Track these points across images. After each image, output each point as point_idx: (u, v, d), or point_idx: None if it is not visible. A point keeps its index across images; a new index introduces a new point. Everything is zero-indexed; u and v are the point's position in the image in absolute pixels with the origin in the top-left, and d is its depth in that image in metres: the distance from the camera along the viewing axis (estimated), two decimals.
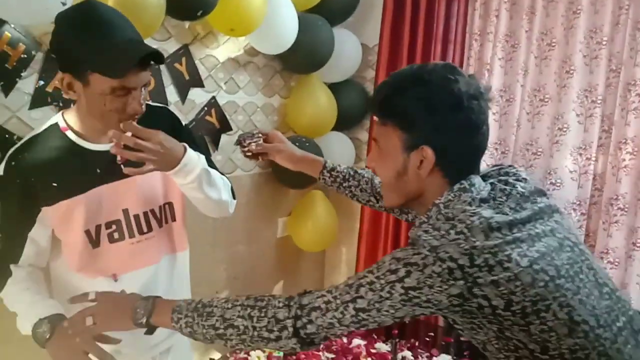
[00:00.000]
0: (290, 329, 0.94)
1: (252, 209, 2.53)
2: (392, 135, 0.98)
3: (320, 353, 1.61)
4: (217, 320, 0.99)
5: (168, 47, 2.00)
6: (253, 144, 1.42)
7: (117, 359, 1.11)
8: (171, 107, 1.98)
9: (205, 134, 2.20)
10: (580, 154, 2.29)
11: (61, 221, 1.21)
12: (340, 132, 2.68)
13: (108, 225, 1.26)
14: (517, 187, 0.97)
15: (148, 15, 1.64)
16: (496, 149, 2.47)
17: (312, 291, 0.98)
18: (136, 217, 1.30)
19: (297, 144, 2.42)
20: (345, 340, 1.71)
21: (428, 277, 0.86)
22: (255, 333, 0.97)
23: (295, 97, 2.54)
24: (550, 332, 0.88)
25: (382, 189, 1.08)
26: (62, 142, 1.21)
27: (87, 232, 1.23)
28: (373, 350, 1.64)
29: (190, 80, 2.10)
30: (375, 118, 1.04)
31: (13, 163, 1.17)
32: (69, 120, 1.23)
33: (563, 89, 2.30)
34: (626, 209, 2.19)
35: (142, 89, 1.17)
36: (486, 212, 0.89)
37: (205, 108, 2.19)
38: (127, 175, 1.20)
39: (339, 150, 2.61)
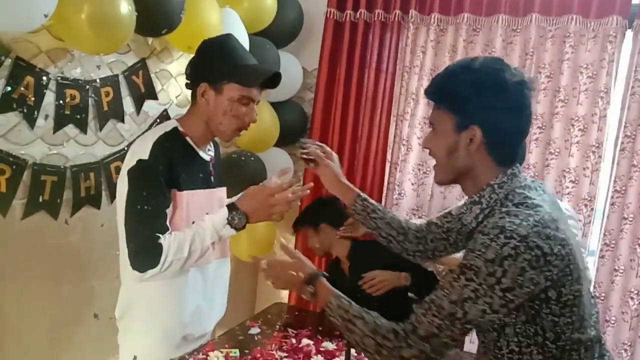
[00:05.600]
0: None
1: None
2: (445, 117, 1.11)
3: (274, 352, 1.74)
4: (355, 338, 1.14)
5: (127, 60, 2.07)
6: (312, 146, 1.57)
7: None
8: (126, 118, 2.08)
9: None
10: None
11: (184, 207, 1.43)
12: (280, 148, 2.85)
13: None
14: (543, 184, 1.13)
15: (120, 31, 1.71)
16: (419, 169, 2.76)
17: (417, 315, 1.06)
18: None
19: (242, 157, 2.59)
20: (294, 340, 1.85)
21: (521, 270, 0.95)
22: None
23: None
24: (570, 324, 1.01)
25: (435, 167, 1.20)
26: (185, 144, 1.49)
27: (193, 224, 1.44)
28: (321, 349, 1.80)
29: (145, 93, 2.17)
30: (431, 103, 1.18)
31: (158, 150, 1.37)
32: (184, 126, 1.48)
33: None
34: None
35: (256, 104, 1.48)
36: (543, 203, 1.02)
37: (158, 120, 2.26)
38: (213, 185, 1.55)
39: (280, 165, 2.76)
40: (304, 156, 1.58)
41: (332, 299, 1.20)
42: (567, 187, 2.45)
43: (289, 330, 1.95)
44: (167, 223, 1.41)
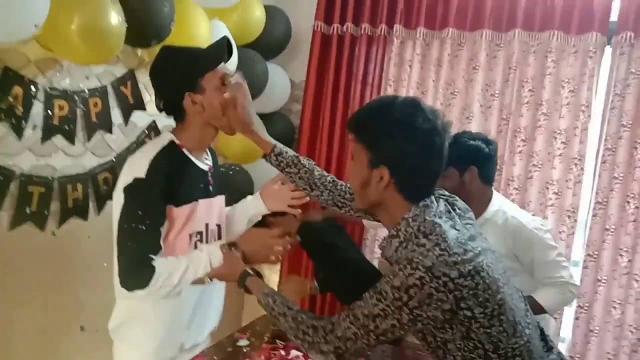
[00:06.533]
0: (333, 357, 1.17)
1: None
2: (361, 152, 1.15)
3: None
4: (282, 327, 1.26)
5: (116, 71, 2.07)
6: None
7: None
8: (114, 129, 2.07)
9: None
10: None
11: (181, 221, 1.42)
12: None
13: (195, 234, 1.47)
14: (458, 206, 1.18)
15: (110, 42, 1.72)
16: None
17: (339, 317, 1.17)
18: (212, 231, 1.53)
19: (230, 170, 2.59)
20: (283, 352, 1.85)
21: (428, 295, 1.02)
22: (309, 352, 1.23)
23: None
24: (503, 332, 1.07)
25: (354, 195, 1.26)
26: (182, 156, 1.47)
27: (189, 237, 1.44)
28: None
29: (133, 104, 2.17)
30: (350, 136, 1.21)
31: (155, 168, 1.35)
32: (180, 138, 1.45)
33: None
34: None
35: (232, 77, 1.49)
36: (451, 230, 1.08)
37: (146, 131, 2.26)
38: (212, 194, 1.52)
39: (268, 177, 2.77)
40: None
41: (260, 298, 1.32)
42: (551, 199, 2.49)
43: (278, 342, 1.95)
44: (161, 241, 1.40)
